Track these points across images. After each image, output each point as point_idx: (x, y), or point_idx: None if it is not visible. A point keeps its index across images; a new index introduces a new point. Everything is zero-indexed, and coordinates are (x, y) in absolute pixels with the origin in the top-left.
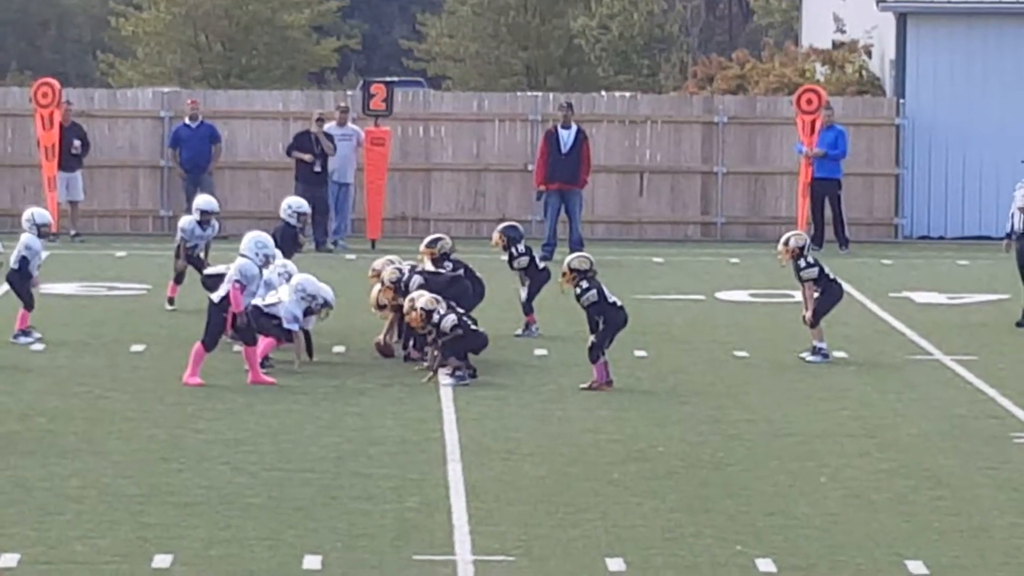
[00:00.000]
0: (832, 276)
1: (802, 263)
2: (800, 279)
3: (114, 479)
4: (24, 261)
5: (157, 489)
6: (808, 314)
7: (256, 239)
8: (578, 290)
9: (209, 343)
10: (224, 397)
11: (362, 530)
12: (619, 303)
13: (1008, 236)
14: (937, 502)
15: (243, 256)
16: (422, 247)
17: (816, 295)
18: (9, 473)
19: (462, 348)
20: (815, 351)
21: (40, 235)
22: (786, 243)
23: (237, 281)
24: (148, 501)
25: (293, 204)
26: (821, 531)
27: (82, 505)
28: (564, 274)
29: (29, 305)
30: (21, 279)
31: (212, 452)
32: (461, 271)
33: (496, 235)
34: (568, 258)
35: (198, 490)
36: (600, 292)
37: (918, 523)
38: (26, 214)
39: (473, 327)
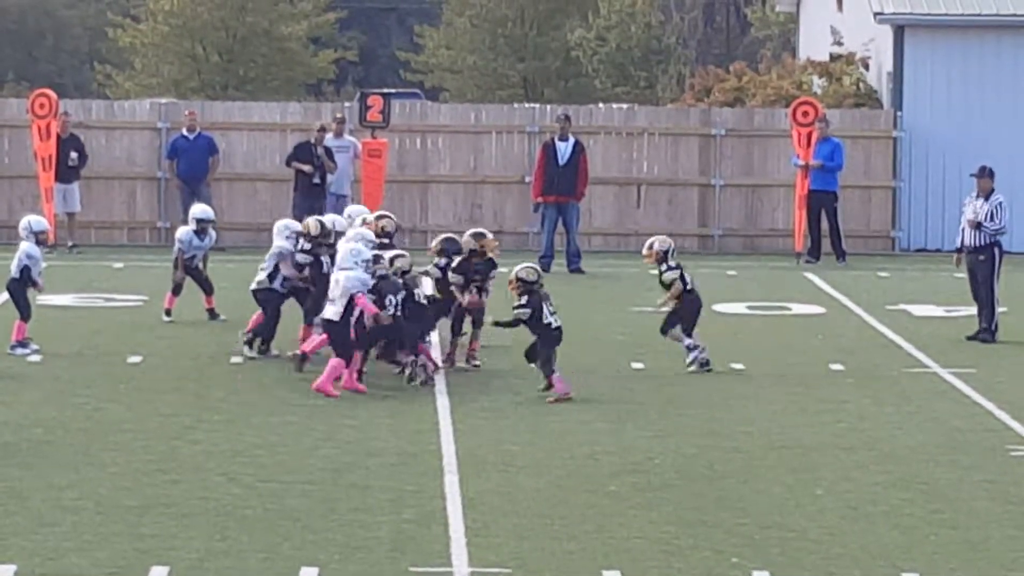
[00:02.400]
0: (691, 287)
1: (663, 267)
2: (662, 283)
3: (111, 490)
4: (26, 269)
5: (154, 500)
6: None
7: (352, 250)
8: (516, 304)
9: (346, 357)
10: (221, 409)
11: (359, 542)
12: (555, 323)
13: (959, 250)
14: (934, 515)
15: (346, 269)
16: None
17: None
18: (5, 484)
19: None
20: (692, 349)
21: (38, 242)
22: (650, 247)
23: (359, 292)
24: (145, 512)
25: (292, 226)
26: (818, 544)
27: (78, 516)
28: (511, 282)
29: (26, 316)
30: (22, 287)
31: (209, 464)
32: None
33: (435, 244)
34: (516, 268)
35: (195, 501)
36: (537, 310)
37: (915, 536)
38: (23, 222)
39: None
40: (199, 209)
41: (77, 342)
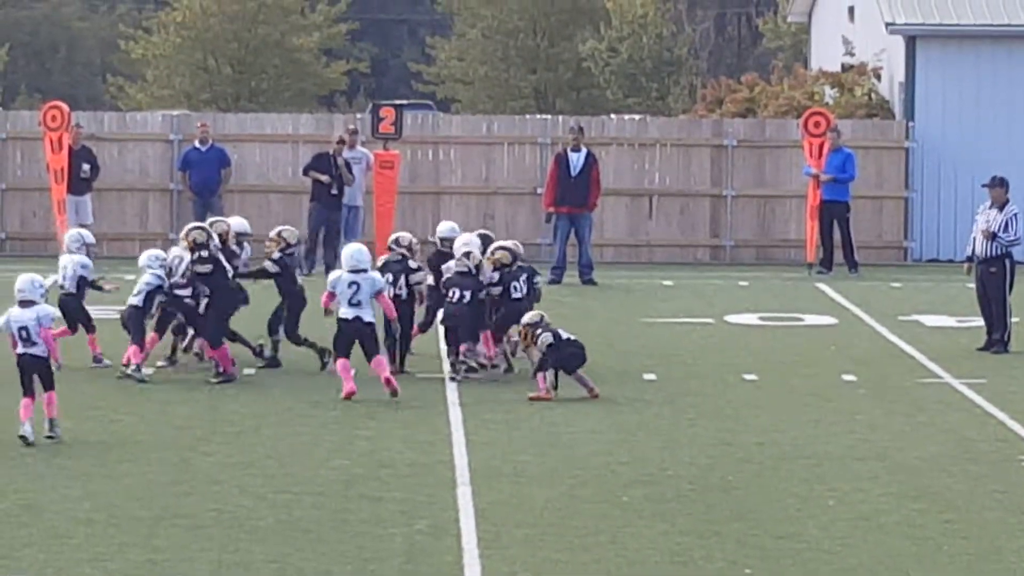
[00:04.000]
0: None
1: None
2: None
3: (124, 502)
4: (82, 280)
5: (167, 512)
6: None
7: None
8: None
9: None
10: (233, 421)
11: (371, 553)
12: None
13: (969, 259)
14: (946, 525)
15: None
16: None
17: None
18: (19, 496)
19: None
20: None
21: (88, 255)
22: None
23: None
24: (158, 524)
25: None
26: (830, 554)
27: (92, 528)
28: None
29: (89, 327)
30: (78, 302)
31: (222, 475)
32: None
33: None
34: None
35: (208, 513)
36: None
37: (927, 546)
38: (74, 233)
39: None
40: (237, 223)
41: (90, 354)
